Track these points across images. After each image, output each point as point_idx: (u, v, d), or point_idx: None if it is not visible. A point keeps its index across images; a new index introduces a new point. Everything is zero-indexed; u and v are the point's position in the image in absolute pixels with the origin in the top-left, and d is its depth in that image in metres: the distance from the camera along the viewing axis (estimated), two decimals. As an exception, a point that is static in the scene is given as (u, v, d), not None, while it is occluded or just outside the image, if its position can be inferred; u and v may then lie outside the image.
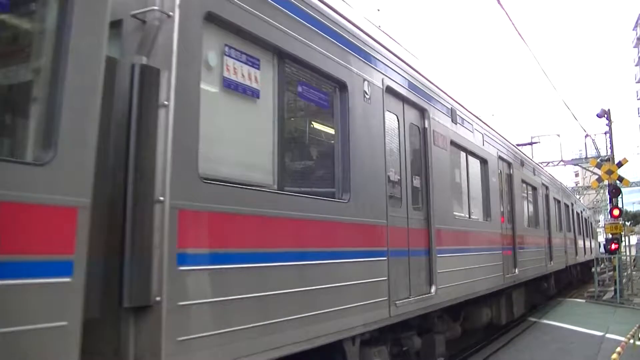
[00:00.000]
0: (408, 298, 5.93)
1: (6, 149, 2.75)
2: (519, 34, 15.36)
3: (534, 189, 14.51)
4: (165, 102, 3.20)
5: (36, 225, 2.49)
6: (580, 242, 23.57)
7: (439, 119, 7.47)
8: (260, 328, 3.69)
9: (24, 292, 2.41)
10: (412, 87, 6.73)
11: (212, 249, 3.41)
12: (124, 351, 3.00)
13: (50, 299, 2.50)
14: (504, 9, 10.66)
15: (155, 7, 3.27)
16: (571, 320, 13.15)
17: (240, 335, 3.52)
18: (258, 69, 4.07)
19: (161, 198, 3.11)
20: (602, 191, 38.89)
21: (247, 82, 3.96)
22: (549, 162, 29.96)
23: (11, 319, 2.35)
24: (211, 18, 3.57)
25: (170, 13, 3.29)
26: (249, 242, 3.71)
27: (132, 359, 2.99)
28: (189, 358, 3.14)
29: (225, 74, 3.77)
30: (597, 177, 23.18)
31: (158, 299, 3.01)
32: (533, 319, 13.64)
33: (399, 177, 6.15)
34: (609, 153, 23.91)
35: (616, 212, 20.86)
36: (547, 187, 16.19)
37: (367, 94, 5.46)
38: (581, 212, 25.94)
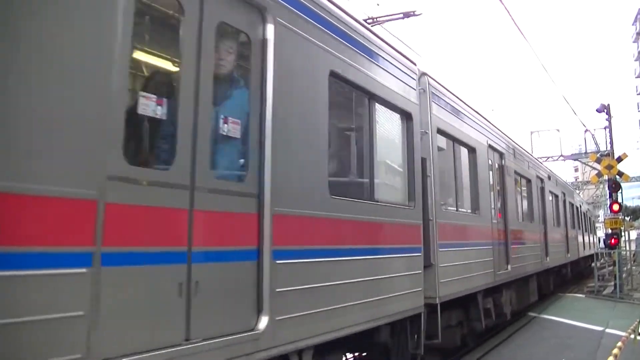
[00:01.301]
0: None
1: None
2: (518, 29, 15.34)
3: (528, 181, 13.97)
4: (429, 174, 6.76)
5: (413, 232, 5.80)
6: (579, 238, 23.56)
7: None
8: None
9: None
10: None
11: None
12: None
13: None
14: (502, 3, 10.63)
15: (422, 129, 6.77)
16: (571, 316, 13.18)
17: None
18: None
19: (431, 218, 6.94)
20: (601, 186, 38.88)
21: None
22: (548, 157, 29.93)
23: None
24: None
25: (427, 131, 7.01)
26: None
27: None
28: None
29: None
30: (596, 172, 23.14)
31: (433, 262, 6.51)
32: (533, 314, 13.67)
33: None
34: (609, 148, 23.94)
35: (616, 207, 20.88)
36: (542, 180, 15.69)
37: None
38: (579, 206, 25.92)
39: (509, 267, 10.69)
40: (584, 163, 34.64)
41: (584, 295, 18.65)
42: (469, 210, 9.19)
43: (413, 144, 6.51)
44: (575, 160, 34.63)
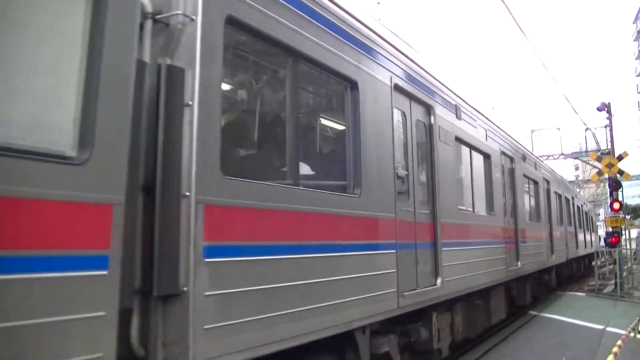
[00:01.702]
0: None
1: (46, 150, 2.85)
2: (519, 27, 15.33)
3: (536, 183, 14.54)
4: (190, 102, 3.37)
5: (73, 221, 2.67)
6: (580, 236, 23.58)
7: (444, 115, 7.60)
8: (293, 314, 4.03)
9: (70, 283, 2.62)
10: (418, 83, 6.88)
11: (235, 241, 3.66)
12: (153, 338, 3.22)
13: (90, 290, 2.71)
14: (503, 1, 10.62)
15: (179, 12, 3.43)
16: (571, 314, 13.19)
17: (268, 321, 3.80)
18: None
19: (187, 193, 3.32)
20: (602, 185, 38.89)
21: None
22: (549, 156, 29.94)
23: (54, 309, 2.51)
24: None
25: (193, 17, 3.43)
26: (266, 235, 3.97)
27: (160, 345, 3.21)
28: (215, 344, 3.36)
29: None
30: (597, 170, 23.15)
31: (185, 289, 3.26)
32: (533, 313, 13.67)
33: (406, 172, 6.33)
34: (609, 146, 23.93)
35: (616, 205, 20.89)
36: (548, 182, 16.43)
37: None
38: (581, 205, 25.93)
39: (519, 263, 11.24)
40: (585, 162, 34.71)
41: (584, 294, 18.66)
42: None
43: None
44: (575, 158, 34.66)
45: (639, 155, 65.08)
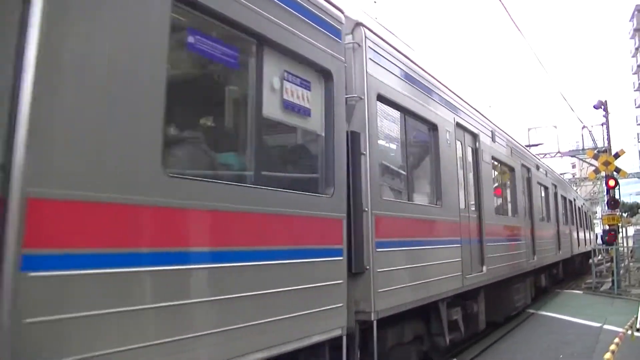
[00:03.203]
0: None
1: (312, 189, 4.83)
2: (515, 25, 15.33)
3: (546, 188, 16.49)
4: (364, 152, 5.39)
5: (327, 228, 4.85)
6: (580, 234, 23.65)
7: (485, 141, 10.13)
8: (423, 284, 6.61)
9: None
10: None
11: (392, 238, 5.93)
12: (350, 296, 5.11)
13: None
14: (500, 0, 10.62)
15: (355, 95, 5.49)
16: (569, 312, 13.21)
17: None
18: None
19: (366, 209, 5.35)
20: (599, 182, 38.94)
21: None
22: (545, 154, 29.96)
23: (319, 279, 4.57)
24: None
25: (362, 97, 5.54)
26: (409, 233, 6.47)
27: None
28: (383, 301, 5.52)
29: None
30: (594, 168, 23.17)
31: (367, 267, 5.32)
32: (531, 311, 13.69)
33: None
34: (606, 144, 23.95)
35: (613, 203, 20.89)
36: (555, 186, 18.33)
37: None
38: (581, 205, 25.98)
39: (535, 257, 12.78)
40: (582, 159, 34.70)
41: (581, 292, 18.70)
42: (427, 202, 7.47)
43: (333, 112, 4.93)
44: (572, 156, 34.66)
45: (635, 153, 65.21)
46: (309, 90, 4.69)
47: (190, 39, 3.59)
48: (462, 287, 7.84)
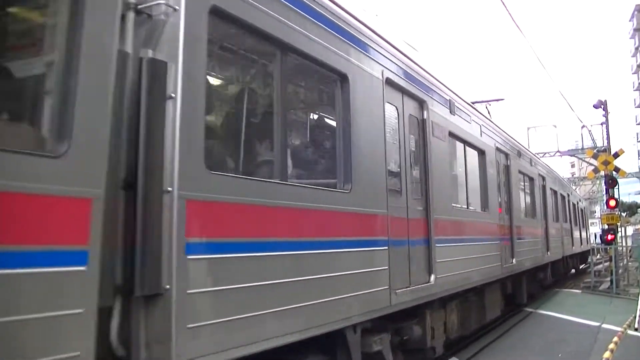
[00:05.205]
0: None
1: (23, 142, 2.67)
2: (516, 24, 15.31)
3: (531, 179, 14.55)
4: (172, 95, 3.23)
5: (51, 216, 2.54)
6: (575, 233, 23.60)
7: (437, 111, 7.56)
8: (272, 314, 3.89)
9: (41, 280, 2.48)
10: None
11: (217, 238, 3.52)
12: (134, 338, 3.07)
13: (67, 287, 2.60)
14: (501, -2, 10.59)
15: (162, 1, 3.28)
16: (567, 311, 13.21)
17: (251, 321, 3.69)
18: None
19: (169, 188, 3.17)
20: (598, 182, 38.94)
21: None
22: (545, 153, 29.95)
23: (28, 307, 2.42)
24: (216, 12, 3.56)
25: (177, 7, 3.28)
26: (251, 231, 3.84)
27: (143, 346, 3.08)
28: (198, 344, 3.24)
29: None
30: (593, 167, 23.16)
31: (167, 286, 3.11)
32: (529, 310, 13.69)
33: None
34: (606, 144, 23.92)
35: (612, 202, 20.90)
36: (544, 178, 16.40)
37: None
38: (577, 202, 25.94)
39: (514, 260, 11.25)
40: (581, 159, 34.71)
41: (580, 291, 18.70)
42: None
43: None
44: (571, 156, 34.64)
45: (635, 153, 65.34)
46: None
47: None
48: (389, 306, 5.61)
